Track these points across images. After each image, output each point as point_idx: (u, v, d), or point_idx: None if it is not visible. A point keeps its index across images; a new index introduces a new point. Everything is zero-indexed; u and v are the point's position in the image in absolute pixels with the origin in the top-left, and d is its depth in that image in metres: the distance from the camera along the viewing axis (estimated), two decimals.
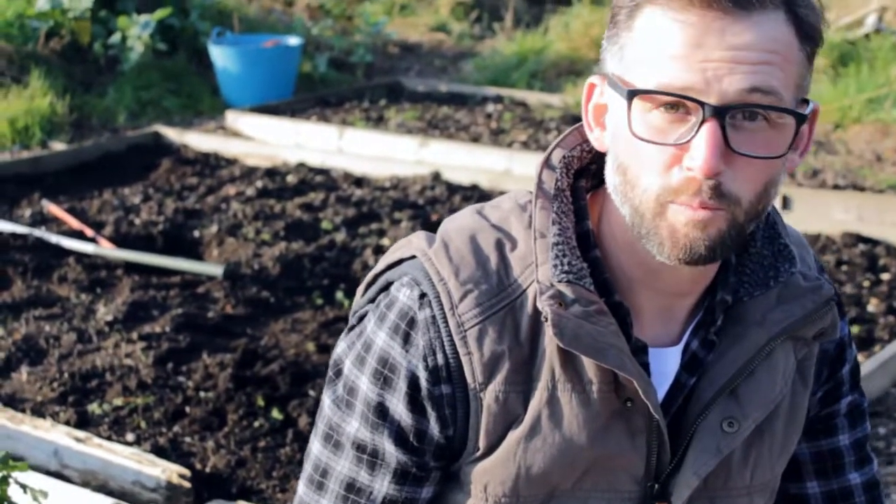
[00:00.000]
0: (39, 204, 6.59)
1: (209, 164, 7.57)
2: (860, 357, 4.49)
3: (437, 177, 7.05)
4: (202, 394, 4.27)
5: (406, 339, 1.56)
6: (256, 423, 4.05)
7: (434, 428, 1.57)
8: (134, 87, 9.10)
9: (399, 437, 1.58)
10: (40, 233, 5.90)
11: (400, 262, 1.62)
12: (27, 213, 6.50)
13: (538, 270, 1.52)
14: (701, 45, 1.39)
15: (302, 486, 1.68)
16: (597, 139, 1.56)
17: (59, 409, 4.18)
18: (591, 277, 1.54)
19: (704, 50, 1.39)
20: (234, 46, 9.34)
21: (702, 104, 1.39)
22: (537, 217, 1.56)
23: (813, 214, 6.14)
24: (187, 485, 3.63)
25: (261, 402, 4.16)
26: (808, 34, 1.45)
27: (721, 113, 1.39)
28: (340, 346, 1.65)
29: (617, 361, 1.49)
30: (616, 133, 1.49)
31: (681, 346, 1.62)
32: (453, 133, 8.37)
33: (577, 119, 8.49)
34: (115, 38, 9.32)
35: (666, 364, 1.61)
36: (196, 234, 6.06)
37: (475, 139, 8.14)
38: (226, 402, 4.18)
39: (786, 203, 6.33)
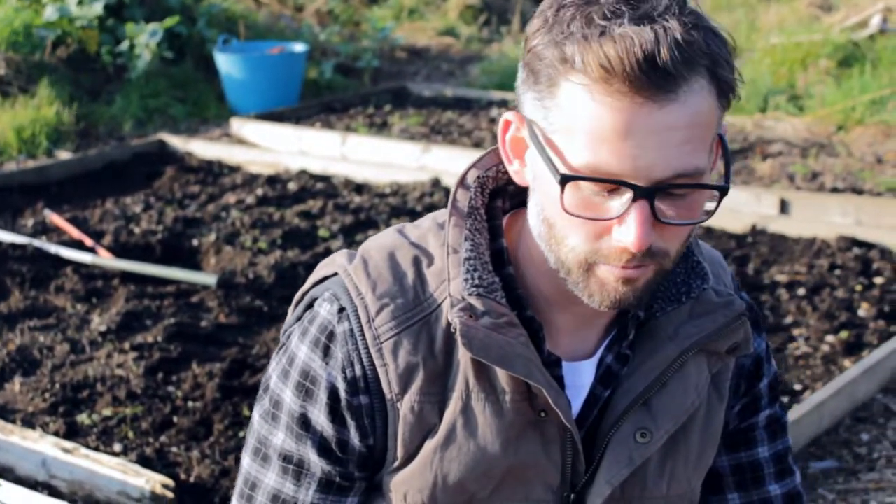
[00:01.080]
0: (42, 213, 6.65)
1: (212, 171, 7.62)
2: (847, 362, 4.51)
3: (436, 183, 7.09)
4: (190, 403, 4.32)
5: (326, 352, 1.61)
6: (241, 433, 4.09)
7: (355, 438, 1.62)
8: (141, 95, 9.17)
9: (322, 447, 1.63)
10: (39, 243, 5.95)
11: (324, 279, 1.66)
12: (30, 222, 6.56)
13: (450, 284, 1.57)
14: (629, 133, 1.39)
15: (233, 502, 1.72)
16: (517, 173, 1.58)
17: (50, 419, 4.23)
18: (503, 292, 1.58)
19: (634, 138, 1.40)
20: (239, 53, 9.40)
21: (633, 187, 1.41)
22: (450, 234, 1.60)
23: (810, 218, 6.15)
24: (170, 495, 3.67)
25: (247, 413, 4.21)
26: (726, 93, 1.47)
27: (650, 194, 1.42)
28: (271, 364, 1.70)
29: (525, 371, 1.53)
30: (542, 186, 1.50)
31: (595, 360, 1.66)
32: (456, 138, 8.40)
33: None
34: (123, 46, 9.39)
35: (580, 377, 1.65)
36: (195, 242, 6.10)
37: (477, 144, 8.17)
38: (212, 412, 4.23)
39: (783, 207, 6.34)
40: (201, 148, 8.05)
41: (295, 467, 1.65)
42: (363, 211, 6.60)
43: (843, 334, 4.76)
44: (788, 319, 4.97)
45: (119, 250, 5.98)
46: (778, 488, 1.83)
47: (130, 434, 4.13)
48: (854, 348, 4.68)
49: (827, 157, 7.48)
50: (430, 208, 6.66)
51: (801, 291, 5.23)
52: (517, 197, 1.67)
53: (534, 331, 1.60)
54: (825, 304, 5.08)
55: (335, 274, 1.65)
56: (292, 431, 1.64)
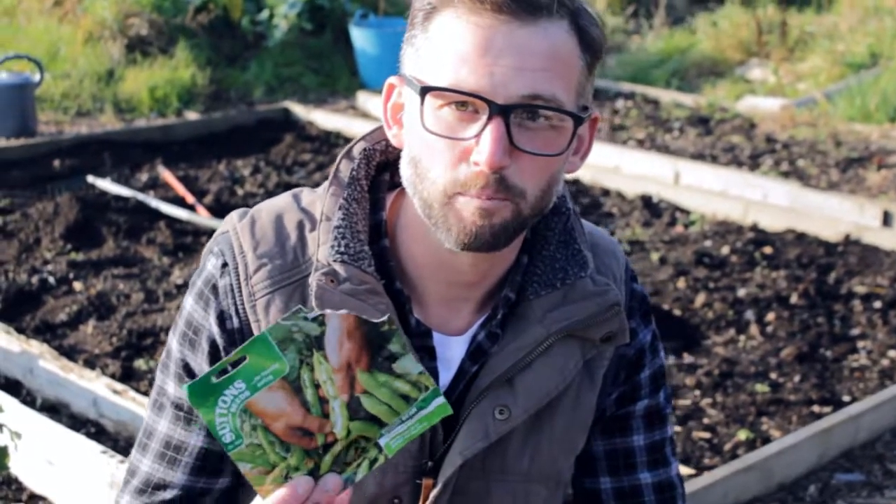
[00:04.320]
0: (157, 169, 6.92)
1: (329, 142, 7.79)
2: None
3: None
4: None
5: (207, 304, 1.69)
6: None
7: None
8: (275, 63, 9.41)
9: None
10: (143, 196, 6.20)
11: (222, 234, 1.75)
12: (144, 177, 6.84)
13: (319, 250, 1.64)
14: (489, 49, 1.49)
15: (133, 452, 1.81)
16: (395, 136, 1.66)
17: (110, 362, 4.43)
18: (375, 262, 1.65)
19: (492, 53, 1.49)
20: (374, 29, 9.56)
21: (488, 103, 1.49)
22: (327, 202, 1.67)
23: None
24: None
25: None
26: (590, 45, 1.55)
27: (506, 112, 1.49)
28: None
29: None
30: (410, 128, 1.59)
31: (468, 336, 1.71)
32: None
33: (703, 121, 8.45)
34: (263, 14, 9.64)
35: (451, 350, 1.71)
36: None
37: None
38: None
39: (886, 219, 6.21)
40: (323, 118, 8.23)
41: (185, 414, 1.73)
42: None
43: None
44: (856, 331, 4.89)
45: (218, 210, 6.18)
46: (649, 476, 1.86)
47: None
48: None
49: None
50: None
51: (877, 304, 5.13)
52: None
53: (401, 303, 1.66)
54: None
55: (227, 231, 1.74)
56: (181, 379, 1.73)
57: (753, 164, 7.50)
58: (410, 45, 1.58)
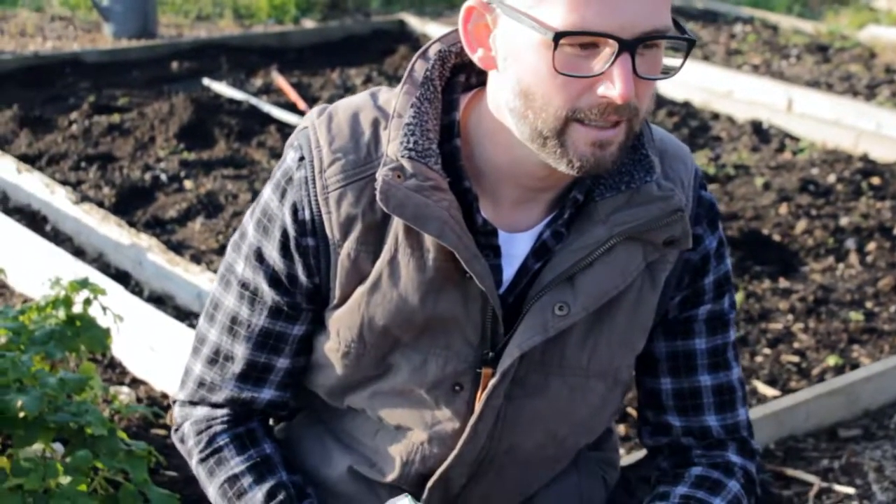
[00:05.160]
0: (271, 76, 7.04)
1: None
2: None
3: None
4: None
5: (283, 195, 1.78)
6: None
7: (302, 274, 1.79)
8: None
9: (273, 278, 1.81)
10: (256, 101, 6.33)
11: (303, 129, 1.83)
12: (259, 82, 6.96)
13: (388, 146, 1.71)
14: None
15: (200, 320, 1.93)
16: (481, 59, 1.69)
17: (216, 258, 4.57)
18: (443, 161, 1.71)
19: None
20: None
21: (619, 40, 1.53)
22: (400, 100, 1.73)
23: None
24: None
25: None
26: None
27: (633, 47, 1.54)
28: None
29: (438, 231, 1.66)
30: (519, 61, 1.62)
31: (533, 233, 1.77)
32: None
33: (822, 48, 8.31)
34: None
35: (516, 247, 1.77)
36: None
37: (706, 57, 8.09)
38: None
39: None
40: (437, 30, 8.26)
41: (250, 294, 1.84)
42: None
43: None
44: None
45: None
46: (709, 379, 1.91)
47: None
48: None
49: None
50: None
51: None
52: (484, 75, 1.76)
53: (468, 202, 1.72)
54: None
55: (307, 127, 1.81)
56: (250, 262, 1.82)
57: (870, 94, 7.37)
58: None
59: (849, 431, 3.62)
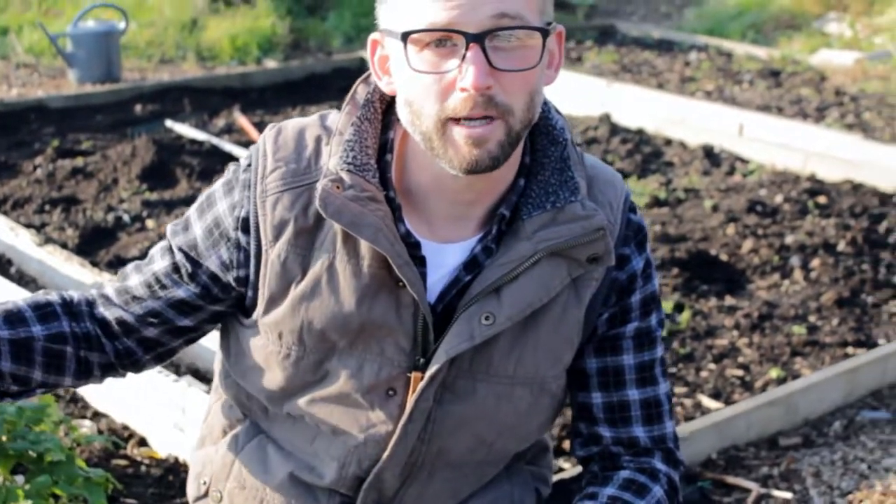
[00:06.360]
0: (233, 116, 7.17)
1: None
2: None
3: (605, 118, 7.25)
4: None
5: (228, 191, 1.95)
6: None
7: (215, 258, 1.95)
8: (354, 13, 9.63)
9: (187, 244, 1.97)
10: (216, 140, 6.46)
11: (257, 143, 2.00)
12: (221, 122, 7.10)
13: (330, 160, 1.87)
14: None
15: (129, 265, 2.10)
16: (387, 85, 1.86)
17: None
18: (379, 175, 1.87)
19: None
20: None
21: (463, 34, 1.70)
22: (341, 119, 1.90)
23: None
24: None
25: None
26: None
27: (480, 38, 1.70)
28: None
29: (372, 237, 1.81)
30: (399, 74, 1.79)
31: (464, 247, 1.92)
32: (642, 78, 8.52)
33: (774, 73, 8.49)
34: None
35: (446, 258, 1.91)
36: None
37: (660, 85, 8.27)
38: None
39: None
40: None
41: (167, 246, 2.00)
42: None
43: None
44: None
45: None
46: (637, 393, 2.03)
47: None
48: None
49: None
50: (591, 142, 6.85)
51: None
52: None
53: (393, 210, 1.87)
54: None
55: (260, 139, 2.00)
56: (181, 228, 1.99)
57: (819, 116, 7.55)
58: (383, 3, 1.79)
59: (789, 440, 3.75)
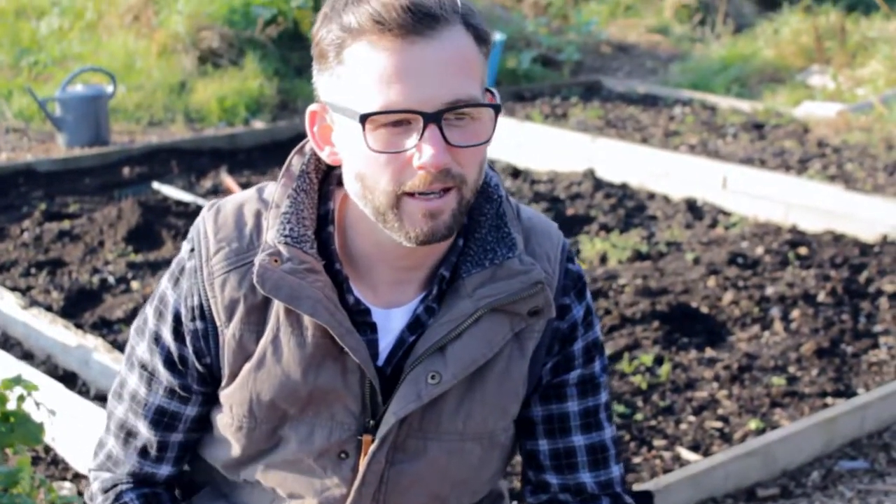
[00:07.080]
0: (221, 177, 7.22)
1: None
2: None
3: (589, 173, 7.31)
4: None
5: (176, 283, 1.96)
6: None
7: (192, 356, 1.95)
8: None
9: (168, 360, 1.97)
10: (202, 202, 6.50)
11: (196, 224, 2.00)
12: (209, 184, 7.15)
13: (268, 234, 1.89)
14: (407, 70, 1.72)
15: (109, 397, 2.09)
16: (329, 156, 1.89)
17: None
18: (318, 246, 1.89)
19: (412, 73, 1.72)
20: None
21: (421, 115, 1.73)
22: (277, 192, 1.92)
23: None
24: None
25: None
26: (482, 38, 1.81)
27: (437, 118, 1.73)
28: None
29: (311, 310, 1.84)
30: (348, 148, 1.81)
31: (408, 309, 1.94)
32: (626, 133, 8.59)
33: (758, 126, 8.56)
34: None
35: (391, 322, 1.94)
36: None
37: (645, 140, 8.33)
38: None
39: None
40: None
41: (149, 375, 2.00)
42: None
43: None
44: (879, 327, 5.02)
45: None
46: (582, 439, 2.06)
47: None
48: None
49: None
50: (574, 197, 6.91)
51: None
52: None
53: (339, 282, 1.89)
54: None
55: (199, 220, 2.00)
56: (149, 345, 1.99)
57: (801, 167, 7.61)
58: (328, 76, 1.80)
59: (767, 491, 3.77)
